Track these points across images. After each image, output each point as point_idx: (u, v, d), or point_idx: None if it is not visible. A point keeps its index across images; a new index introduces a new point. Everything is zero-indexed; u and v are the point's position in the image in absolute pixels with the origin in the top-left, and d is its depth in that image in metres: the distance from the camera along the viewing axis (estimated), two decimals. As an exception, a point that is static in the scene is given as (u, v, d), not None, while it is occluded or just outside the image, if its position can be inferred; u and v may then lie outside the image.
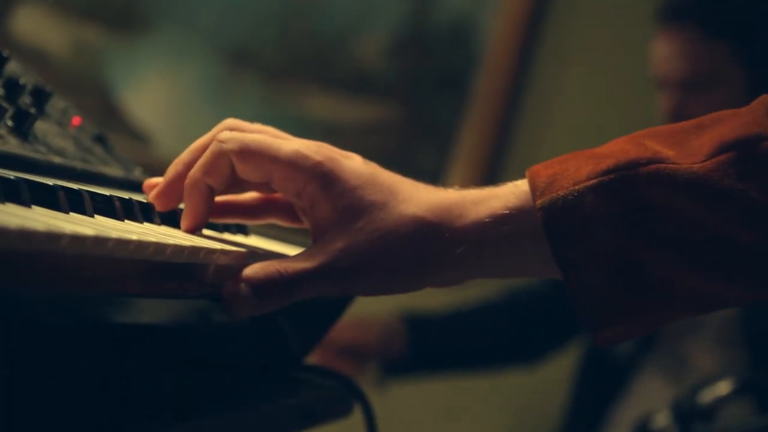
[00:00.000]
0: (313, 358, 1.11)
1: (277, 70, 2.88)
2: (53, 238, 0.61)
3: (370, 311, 2.05)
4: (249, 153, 0.85)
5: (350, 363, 1.96)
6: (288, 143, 0.86)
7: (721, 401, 1.56)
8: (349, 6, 2.82)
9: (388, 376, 2.06)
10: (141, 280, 0.73)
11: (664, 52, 1.89)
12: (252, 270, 0.81)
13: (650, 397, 1.92)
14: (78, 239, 0.63)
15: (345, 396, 1.07)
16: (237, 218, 0.97)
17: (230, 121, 0.91)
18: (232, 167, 0.86)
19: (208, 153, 0.87)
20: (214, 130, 0.91)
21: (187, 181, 0.88)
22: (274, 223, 0.98)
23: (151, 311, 0.83)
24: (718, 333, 1.93)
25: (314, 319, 1.10)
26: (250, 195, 0.96)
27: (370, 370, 2.03)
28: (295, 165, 0.85)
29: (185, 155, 0.90)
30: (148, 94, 2.92)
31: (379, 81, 2.82)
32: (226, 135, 0.87)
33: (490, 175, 2.68)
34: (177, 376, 0.90)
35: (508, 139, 2.70)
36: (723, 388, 1.56)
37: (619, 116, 2.64)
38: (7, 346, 0.69)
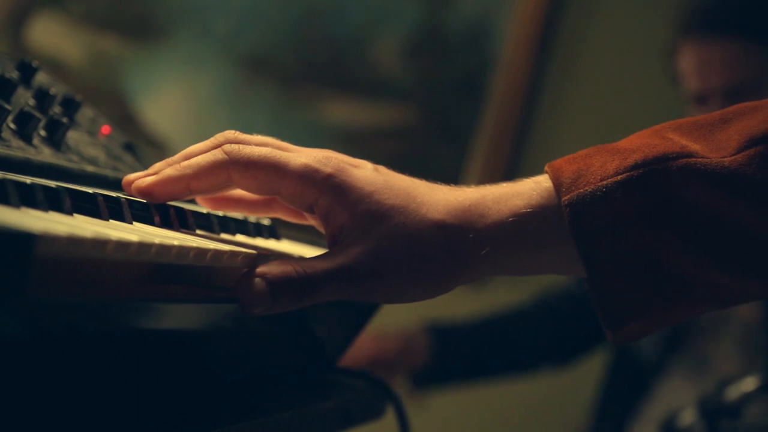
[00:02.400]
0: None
1: (293, 76, 2.89)
2: (100, 244, 0.62)
3: (392, 323, 2.06)
4: (255, 169, 0.82)
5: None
6: (296, 157, 0.83)
7: (747, 398, 1.56)
8: (364, 11, 2.83)
9: (418, 388, 2.07)
10: (174, 284, 0.74)
11: (702, 63, 1.87)
12: (268, 267, 0.79)
13: (674, 397, 1.93)
14: (123, 245, 0.64)
15: (378, 397, 1.08)
16: (239, 211, 0.95)
17: (230, 133, 0.87)
18: (229, 180, 0.83)
19: (208, 160, 0.83)
20: (212, 141, 0.87)
21: (173, 173, 0.84)
22: (277, 217, 0.96)
23: (186, 316, 0.83)
24: (740, 336, 1.93)
25: (344, 323, 1.10)
26: None
27: (398, 382, 2.03)
28: (305, 180, 0.82)
29: (179, 164, 0.86)
30: (165, 102, 2.93)
31: (396, 85, 2.82)
32: (231, 147, 0.83)
33: (507, 176, 2.69)
34: (216, 380, 0.91)
35: (525, 141, 2.71)
36: (749, 384, 1.56)
37: (634, 117, 2.65)
38: (44, 352, 0.69)
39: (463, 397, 2.41)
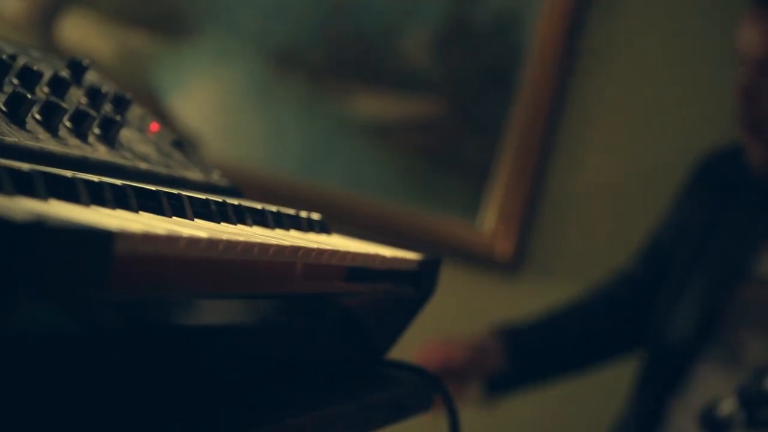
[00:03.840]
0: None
1: (322, 70, 2.90)
2: (172, 241, 0.63)
3: (459, 332, 2.07)
4: None
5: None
6: None
7: (788, 387, 1.56)
8: (392, 4, 2.84)
9: (493, 393, 2.07)
10: (234, 280, 0.75)
11: (748, 32, 1.96)
12: None
13: (709, 386, 1.93)
14: (194, 242, 0.65)
15: (427, 389, 1.09)
16: None
17: None
18: None
19: None
20: None
21: None
22: None
23: (242, 310, 0.84)
24: None
25: (392, 317, 1.11)
26: None
27: (473, 389, 2.03)
28: None
29: None
30: (195, 98, 2.95)
31: (424, 78, 2.83)
32: None
33: (538, 168, 2.69)
34: (272, 373, 0.92)
35: (555, 132, 2.71)
36: (789, 373, 1.57)
37: (666, 108, 2.65)
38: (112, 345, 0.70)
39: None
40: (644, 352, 2.11)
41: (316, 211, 1.09)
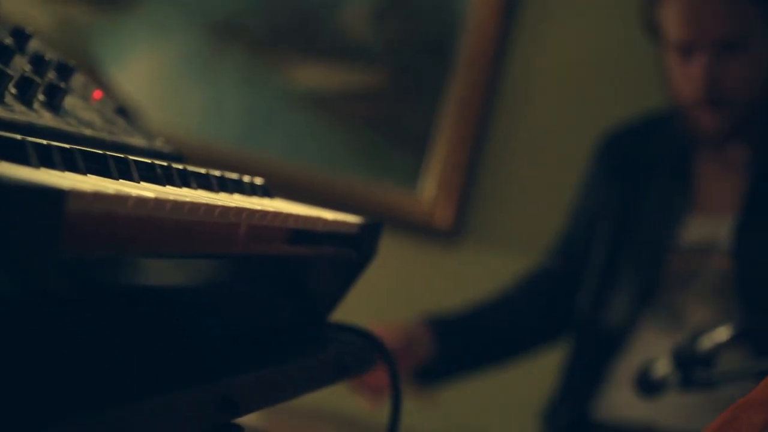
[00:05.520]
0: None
1: (261, 41, 2.90)
2: (121, 200, 0.64)
3: (392, 318, 2.06)
4: None
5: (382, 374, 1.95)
6: None
7: (720, 347, 1.60)
8: (331, -25, 2.85)
9: (424, 383, 2.08)
10: (180, 241, 0.77)
11: (694, 12, 1.92)
12: None
13: (649, 351, 1.95)
14: (142, 201, 0.67)
15: (369, 350, 1.11)
16: None
17: None
18: None
19: None
20: None
21: None
22: None
23: (186, 272, 0.86)
24: (712, 286, 1.96)
25: (334, 279, 1.13)
26: None
27: (404, 376, 2.01)
28: None
29: None
30: (135, 70, 2.94)
31: (364, 48, 2.85)
32: None
33: (477, 136, 2.72)
34: (217, 334, 0.93)
35: (494, 101, 2.74)
36: (721, 334, 1.60)
37: (605, 75, 2.69)
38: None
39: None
40: (577, 333, 2.12)
41: (258, 180, 1.11)
